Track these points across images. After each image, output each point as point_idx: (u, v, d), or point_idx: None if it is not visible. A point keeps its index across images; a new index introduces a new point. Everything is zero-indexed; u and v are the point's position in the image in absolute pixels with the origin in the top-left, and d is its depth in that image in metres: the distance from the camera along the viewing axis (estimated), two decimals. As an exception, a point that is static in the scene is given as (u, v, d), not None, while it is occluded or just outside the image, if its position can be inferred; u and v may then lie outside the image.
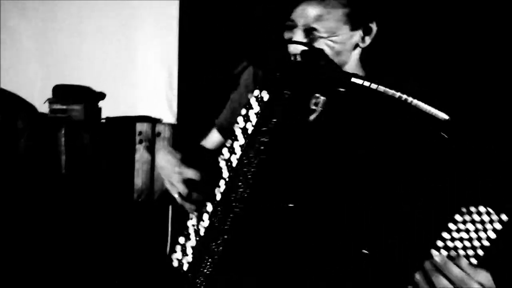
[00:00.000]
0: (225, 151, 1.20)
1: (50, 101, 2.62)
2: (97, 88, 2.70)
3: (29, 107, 2.66)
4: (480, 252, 1.09)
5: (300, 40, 1.41)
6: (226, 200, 1.19)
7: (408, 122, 1.11)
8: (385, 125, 1.13)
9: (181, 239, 1.27)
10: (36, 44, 2.95)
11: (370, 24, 1.45)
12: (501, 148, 1.11)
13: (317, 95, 1.13)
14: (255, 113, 1.17)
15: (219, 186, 1.20)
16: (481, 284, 1.10)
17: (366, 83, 1.11)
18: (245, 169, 1.17)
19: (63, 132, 2.52)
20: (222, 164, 1.20)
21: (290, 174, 1.15)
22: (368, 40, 1.46)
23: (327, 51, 1.38)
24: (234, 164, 1.19)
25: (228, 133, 1.23)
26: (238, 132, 1.19)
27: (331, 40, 1.41)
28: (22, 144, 2.49)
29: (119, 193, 2.55)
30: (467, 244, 1.09)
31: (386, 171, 1.11)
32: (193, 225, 1.25)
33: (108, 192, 2.53)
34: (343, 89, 1.14)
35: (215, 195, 1.20)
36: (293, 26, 1.43)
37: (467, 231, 1.08)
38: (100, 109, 2.71)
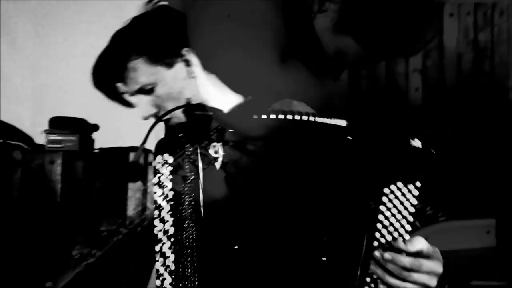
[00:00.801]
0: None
1: (47, 132, 2.70)
2: (86, 119, 2.78)
3: (26, 138, 2.78)
4: (411, 218, 1.23)
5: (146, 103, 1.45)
6: None
7: (314, 136, 1.20)
8: (292, 144, 1.21)
9: None
10: (27, 77, 3.04)
11: (184, 58, 1.44)
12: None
13: (213, 144, 1.19)
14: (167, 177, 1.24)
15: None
16: (421, 253, 1.20)
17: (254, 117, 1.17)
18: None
19: (59, 161, 2.61)
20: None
21: (223, 219, 1.20)
22: (196, 68, 1.44)
23: (170, 100, 1.42)
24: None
25: None
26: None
27: (162, 88, 1.44)
28: (19, 174, 2.59)
29: (112, 220, 2.62)
30: (399, 216, 1.23)
31: (308, 182, 1.20)
32: None
33: (101, 219, 2.61)
34: (231, 129, 1.19)
35: None
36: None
37: (395, 206, 1.23)
38: (93, 140, 2.80)
